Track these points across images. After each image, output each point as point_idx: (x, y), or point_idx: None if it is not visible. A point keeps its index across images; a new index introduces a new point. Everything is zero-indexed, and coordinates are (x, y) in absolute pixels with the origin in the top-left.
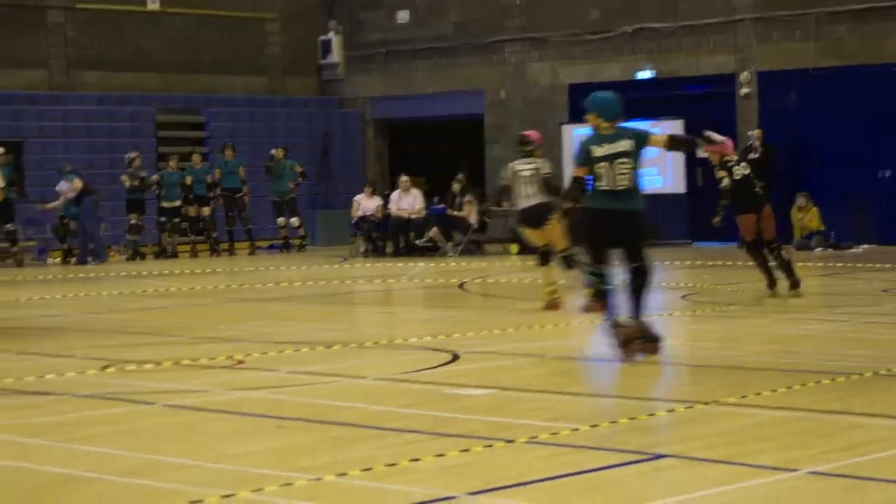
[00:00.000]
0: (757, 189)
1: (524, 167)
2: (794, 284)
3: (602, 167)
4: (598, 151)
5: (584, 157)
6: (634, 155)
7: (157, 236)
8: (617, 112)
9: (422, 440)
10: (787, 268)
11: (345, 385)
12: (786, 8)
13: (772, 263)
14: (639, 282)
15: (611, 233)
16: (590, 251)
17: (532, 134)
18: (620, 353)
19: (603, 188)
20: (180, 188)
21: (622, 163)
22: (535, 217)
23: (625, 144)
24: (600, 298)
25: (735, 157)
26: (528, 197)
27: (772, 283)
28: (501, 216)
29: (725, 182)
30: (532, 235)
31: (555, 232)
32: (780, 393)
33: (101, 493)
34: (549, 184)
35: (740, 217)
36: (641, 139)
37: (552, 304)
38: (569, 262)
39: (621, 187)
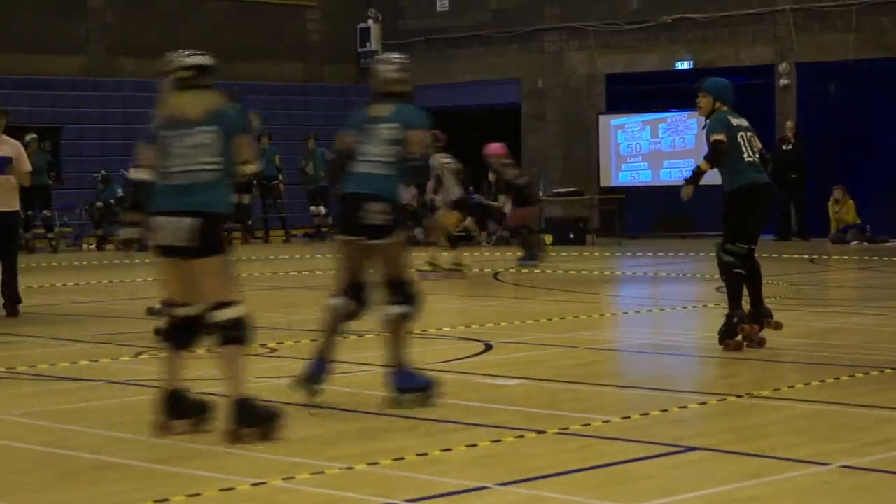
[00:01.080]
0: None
1: (448, 160)
2: (532, 257)
3: (742, 136)
4: (736, 121)
5: (726, 124)
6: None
7: None
8: (733, 98)
9: (453, 430)
10: (528, 245)
11: (377, 374)
12: None
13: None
14: (757, 266)
15: (764, 208)
16: (737, 230)
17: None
18: (734, 343)
19: (748, 160)
20: None
21: (752, 137)
22: (467, 204)
23: (746, 122)
24: (732, 280)
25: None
26: (454, 187)
27: (533, 256)
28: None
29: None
30: (455, 220)
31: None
32: (813, 386)
33: (132, 480)
34: (463, 177)
35: (527, 208)
36: None
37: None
38: (455, 243)
39: (758, 159)
